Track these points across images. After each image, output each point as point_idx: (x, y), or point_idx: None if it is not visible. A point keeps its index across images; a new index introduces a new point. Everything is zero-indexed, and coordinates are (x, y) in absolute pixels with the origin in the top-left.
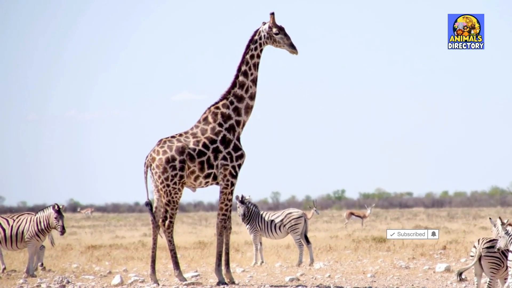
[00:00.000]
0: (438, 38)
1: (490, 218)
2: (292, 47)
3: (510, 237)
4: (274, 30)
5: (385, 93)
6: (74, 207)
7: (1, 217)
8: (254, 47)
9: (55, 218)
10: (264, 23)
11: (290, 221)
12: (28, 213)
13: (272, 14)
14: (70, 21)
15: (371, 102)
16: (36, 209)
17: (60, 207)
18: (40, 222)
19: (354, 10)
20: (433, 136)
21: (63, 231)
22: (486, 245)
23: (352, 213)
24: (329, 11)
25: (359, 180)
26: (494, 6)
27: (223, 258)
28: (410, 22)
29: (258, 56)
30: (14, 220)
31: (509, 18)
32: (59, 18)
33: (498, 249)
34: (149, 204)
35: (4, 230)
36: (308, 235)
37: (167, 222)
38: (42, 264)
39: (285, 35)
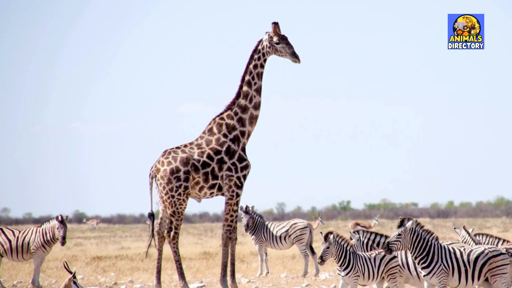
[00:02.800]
0: (438, 38)
1: (454, 228)
2: (294, 56)
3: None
4: (275, 39)
5: (385, 94)
6: (79, 218)
7: (7, 228)
8: (257, 57)
9: (58, 228)
10: (267, 33)
11: (295, 231)
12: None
13: (274, 23)
14: (73, 32)
15: (374, 108)
16: (41, 221)
17: (64, 217)
18: (45, 233)
19: (354, 10)
20: (438, 146)
21: (63, 242)
22: None
23: (357, 224)
24: (328, 12)
25: (365, 191)
26: (494, 6)
27: (228, 269)
28: (410, 22)
29: (262, 66)
30: (19, 231)
31: (509, 18)
32: (63, 28)
33: None
34: (152, 215)
35: (10, 241)
36: (314, 245)
37: (172, 233)
38: None
39: (287, 44)
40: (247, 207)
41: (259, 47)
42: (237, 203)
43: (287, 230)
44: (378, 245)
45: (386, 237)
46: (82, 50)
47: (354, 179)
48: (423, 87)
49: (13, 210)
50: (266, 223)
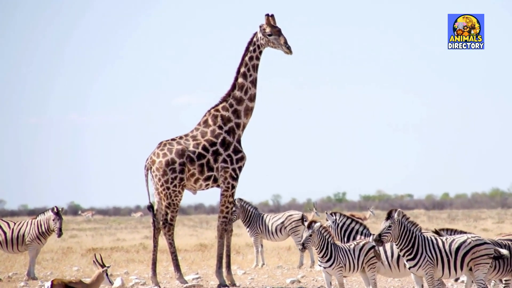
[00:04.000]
0: (438, 38)
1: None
2: (286, 48)
3: None
4: (268, 31)
5: (385, 93)
6: (75, 210)
7: (2, 220)
8: (252, 49)
9: (53, 220)
10: (262, 25)
11: (290, 223)
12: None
13: (267, 15)
14: (70, 24)
15: (371, 103)
16: (36, 212)
17: (59, 209)
18: (40, 225)
19: (354, 10)
20: (434, 138)
21: (60, 234)
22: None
23: (352, 215)
24: (328, 11)
25: (360, 182)
26: (494, 6)
27: (224, 261)
28: (410, 22)
29: (257, 58)
30: (15, 223)
31: (509, 18)
32: (59, 21)
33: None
34: (151, 207)
35: (5, 233)
36: None
37: (167, 224)
38: None
39: (279, 35)
40: (241, 199)
41: (254, 39)
42: (232, 195)
43: (282, 222)
44: (352, 231)
45: (361, 224)
46: (78, 43)
47: (349, 170)
48: (423, 86)
49: (8, 202)
50: (262, 215)
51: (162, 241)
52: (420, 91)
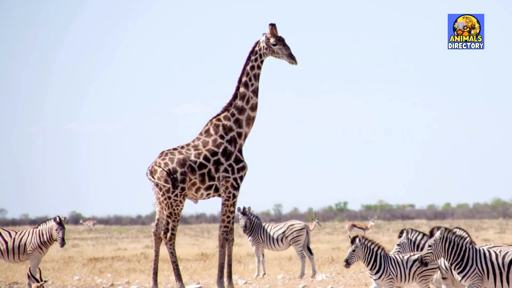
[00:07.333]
0: (438, 38)
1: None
2: (291, 58)
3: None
4: (272, 40)
5: (386, 97)
6: (76, 219)
7: (3, 229)
8: (254, 58)
9: (56, 230)
10: (264, 34)
11: (292, 233)
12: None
13: (271, 25)
14: (70, 33)
15: (372, 111)
16: (38, 222)
17: (62, 219)
18: (42, 234)
19: (354, 10)
20: (435, 147)
21: (63, 243)
22: None
23: (354, 225)
24: (328, 11)
25: (361, 192)
26: (494, 6)
27: (225, 270)
28: (410, 22)
29: (259, 67)
30: (16, 233)
31: (509, 18)
32: (59, 28)
33: None
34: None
35: (6, 242)
36: (310, 246)
37: (168, 234)
38: None
39: (284, 45)
40: (244, 208)
41: (256, 49)
42: (233, 204)
43: (284, 232)
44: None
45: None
46: (78, 51)
47: (351, 180)
48: (423, 87)
49: (10, 211)
50: (263, 224)
51: (163, 250)
52: (421, 93)
